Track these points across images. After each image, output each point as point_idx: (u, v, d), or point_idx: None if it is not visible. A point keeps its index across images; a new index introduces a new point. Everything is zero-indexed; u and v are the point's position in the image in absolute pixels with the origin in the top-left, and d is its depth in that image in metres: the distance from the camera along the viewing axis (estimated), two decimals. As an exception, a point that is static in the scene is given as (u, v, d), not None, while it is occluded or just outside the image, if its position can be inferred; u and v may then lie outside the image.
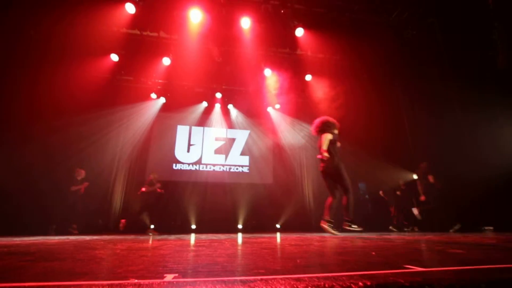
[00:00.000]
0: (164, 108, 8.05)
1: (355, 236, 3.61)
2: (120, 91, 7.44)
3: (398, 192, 6.40)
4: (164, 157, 7.93)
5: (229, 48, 6.73)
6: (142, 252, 1.73)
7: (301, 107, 8.51)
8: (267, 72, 7.36)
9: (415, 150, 6.45)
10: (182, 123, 8.36)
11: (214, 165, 8.26)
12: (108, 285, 0.75)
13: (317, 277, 0.82)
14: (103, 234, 5.02)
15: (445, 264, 1.09)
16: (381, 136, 7.03)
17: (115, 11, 5.55)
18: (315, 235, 4.01)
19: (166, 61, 6.78)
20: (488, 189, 4.44)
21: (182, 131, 8.34)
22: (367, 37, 6.28)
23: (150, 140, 7.93)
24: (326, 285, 0.71)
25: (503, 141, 4.66)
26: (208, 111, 8.50)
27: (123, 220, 5.75)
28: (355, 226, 3.48)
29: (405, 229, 6.05)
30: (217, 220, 7.11)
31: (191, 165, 8.08)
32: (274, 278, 0.82)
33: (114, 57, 6.56)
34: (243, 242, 2.62)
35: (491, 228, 4.75)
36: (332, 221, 3.58)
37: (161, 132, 8.12)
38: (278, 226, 7.77)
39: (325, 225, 3.55)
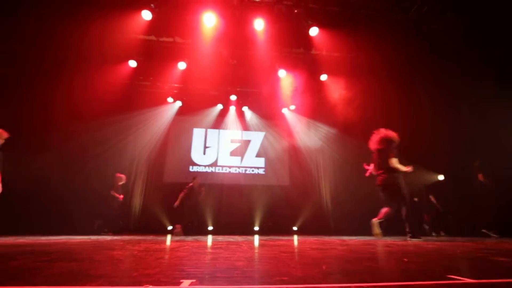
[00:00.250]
0: (180, 112, 8.16)
1: (378, 240, 3.42)
2: (138, 96, 7.62)
3: (431, 197, 6.04)
4: (180, 159, 8.03)
5: (243, 50, 6.72)
6: (159, 254, 1.69)
7: (317, 108, 8.34)
8: (282, 73, 7.27)
9: (438, 150, 6.10)
10: (198, 126, 8.44)
11: (230, 167, 8.25)
12: (122, 290, 0.70)
13: None
14: (124, 235, 5.12)
15: (496, 275, 0.96)
16: (402, 136, 6.72)
17: (132, 18, 5.69)
18: (335, 239, 3.86)
19: (181, 65, 6.87)
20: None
21: (198, 134, 8.42)
22: (384, 33, 6.03)
23: (167, 143, 8.06)
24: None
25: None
26: (223, 114, 8.53)
27: (177, 225, 5.93)
28: (416, 239, 3.52)
29: (433, 234, 5.71)
30: (234, 222, 7.07)
31: (207, 167, 8.12)
32: None
33: (132, 63, 6.73)
34: (261, 245, 2.54)
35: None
36: (382, 220, 3.67)
37: (177, 135, 8.24)
38: (295, 228, 7.61)
39: (375, 222, 3.64)
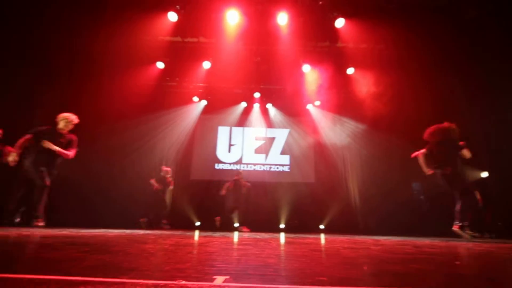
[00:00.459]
0: (206, 110, 8.31)
1: (414, 240, 3.18)
2: (165, 96, 7.87)
3: (476, 193, 5.52)
4: (206, 157, 8.18)
5: (267, 47, 6.64)
6: (189, 248, 1.70)
7: (343, 103, 8.01)
8: (306, 68, 7.09)
9: (475, 146, 5.55)
10: (223, 124, 8.53)
11: (254, 164, 8.25)
12: (154, 285, 0.68)
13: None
14: (155, 229, 5.32)
15: None
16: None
17: (159, 21, 5.87)
18: (366, 238, 3.66)
19: (206, 64, 6.98)
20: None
21: (223, 132, 8.52)
22: (416, 22, 5.59)
23: (193, 141, 8.25)
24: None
25: None
26: (247, 111, 8.54)
27: (217, 218, 6.22)
28: (469, 233, 3.49)
29: (475, 234, 5.21)
30: (259, 219, 7.05)
31: (232, 165, 8.19)
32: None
33: (160, 65, 6.96)
34: (289, 242, 2.47)
35: None
36: (465, 224, 3.62)
37: (203, 134, 8.40)
38: (322, 227, 7.40)
39: (458, 230, 3.63)
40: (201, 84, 7.90)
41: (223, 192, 6.31)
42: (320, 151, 8.33)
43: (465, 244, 2.73)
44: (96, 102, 6.23)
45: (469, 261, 1.33)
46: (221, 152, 8.32)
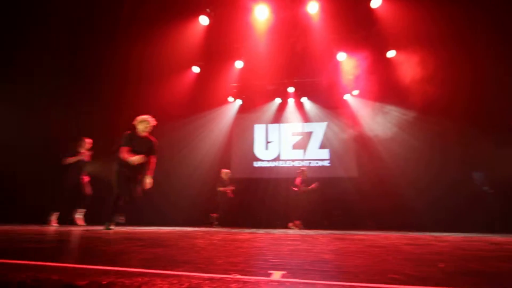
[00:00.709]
0: (241, 110, 8.39)
1: (486, 237, 2.78)
2: (202, 98, 8.14)
3: None
4: (245, 155, 8.27)
5: (298, 39, 6.44)
6: (238, 243, 1.68)
7: (384, 89, 7.39)
8: (341, 56, 6.71)
9: None
10: (259, 122, 8.53)
11: (293, 160, 8.09)
12: (209, 278, 0.65)
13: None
14: (201, 226, 5.54)
15: None
16: (497, 107, 5.36)
17: (191, 26, 6.08)
18: (425, 234, 3.30)
19: (239, 64, 7.04)
20: None
21: (259, 130, 8.52)
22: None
23: (231, 140, 8.40)
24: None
25: None
26: (282, 107, 8.41)
27: (297, 222, 6.40)
28: None
29: None
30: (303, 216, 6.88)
31: (270, 162, 8.14)
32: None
33: (196, 69, 7.21)
34: (339, 239, 2.32)
35: None
36: None
37: (240, 133, 8.50)
38: (370, 223, 6.95)
39: None
40: (234, 84, 8.00)
41: (296, 189, 6.36)
42: (362, 143, 7.82)
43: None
44: (143, 106, 6.70)
45: None
46: (259, 149, 8.33)
